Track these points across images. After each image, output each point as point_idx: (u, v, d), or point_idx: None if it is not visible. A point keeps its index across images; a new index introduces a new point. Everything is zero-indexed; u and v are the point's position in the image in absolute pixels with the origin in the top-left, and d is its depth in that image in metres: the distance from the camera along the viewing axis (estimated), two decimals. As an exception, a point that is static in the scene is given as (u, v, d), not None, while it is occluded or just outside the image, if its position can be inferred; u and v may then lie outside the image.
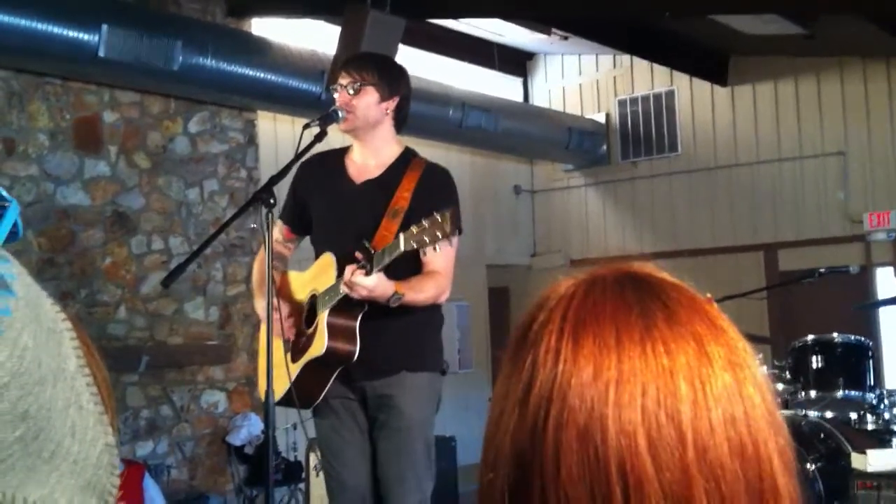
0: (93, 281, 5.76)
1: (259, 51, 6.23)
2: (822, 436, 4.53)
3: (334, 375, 3.09)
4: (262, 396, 2.90)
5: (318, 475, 5.27)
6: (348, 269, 2.90)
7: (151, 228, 6.08)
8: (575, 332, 0.74)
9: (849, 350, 4.95)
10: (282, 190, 3.05)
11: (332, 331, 3.02)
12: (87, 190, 5.79)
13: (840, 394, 4.83)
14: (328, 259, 3.09)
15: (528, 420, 0.73)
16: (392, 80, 3.22)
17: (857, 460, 4.16)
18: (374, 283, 2.87)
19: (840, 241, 7.99)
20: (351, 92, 3.15)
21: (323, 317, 3.03)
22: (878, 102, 8.01)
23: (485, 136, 8.01)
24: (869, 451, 4.12)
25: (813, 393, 4.85)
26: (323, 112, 3.20)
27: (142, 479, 4.92)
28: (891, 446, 4.52)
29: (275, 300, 2.94)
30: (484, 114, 7.80)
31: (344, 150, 3.33)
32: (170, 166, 6.20)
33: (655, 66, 8.81)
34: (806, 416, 4.67)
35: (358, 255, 2.91)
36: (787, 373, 4.96)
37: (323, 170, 3.30)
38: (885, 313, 7.50)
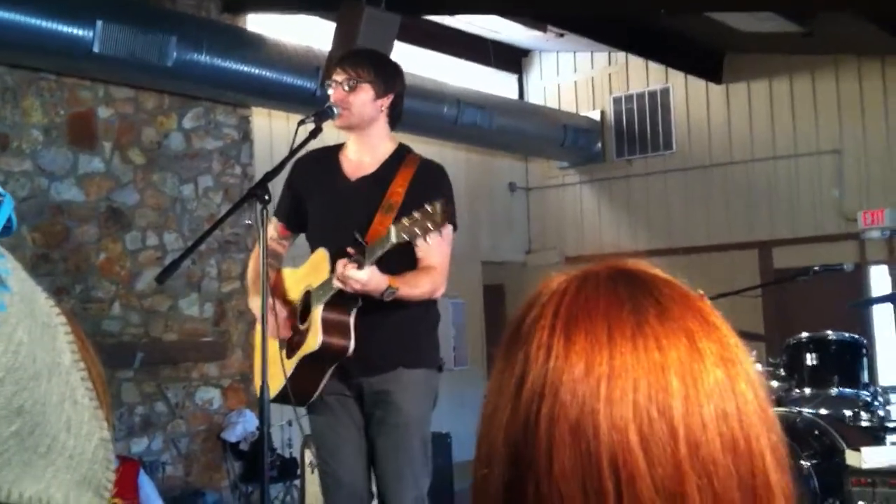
0: (87, 277, 5.76)
1: (254, 47, 6.22)
2: (816, 433, 4.54)
3: (329, 372, 3.09)
4: (258, 393, 2.90)
5: (313, 472, 5.27)
6: (340, 263, 2.90)
7: (146, 224, 6.08)
8: (567, 328, 0.74)
9: (843, 347, 4.96)
10: (276, 186, 3.05)
11: (327, 326, 3.01)
12: (81, 186, 5.78)
13: (834, 391, 4.84)
14: (322, 255, 3.09)
15: (520, 415, 0.74)
16: (387, 77, 3.22)
17: (851, 457, 4.17)
18: (366, 277, 2.86)
19: (835, 238, 8.01)
20: (346, 88, 3.15)
21: (317, 312, 3.02)
22: (873, 100, 8.02)
23: (480, 132, 8.01)
24: (863, 449, 4.14)
25: (807, 390, 4.86)
26: (318, 108, 3.20)
27: (137, 475, 4.91)
28: (885, 443, 4.54)
29: (270, 299, 2.94)
30: (479, 111, 7.79)
31: (338, 147, 3.33)
32: (164, 162, 6.20)
33: (651, 63, 8.82)
34: (800, 413, 4.68)
35: (350, 250, 2.91)
36: (782, 370, 4.97)
37: (318, 167, 3.29)
38: (878, 311, 7.52)
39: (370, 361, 3.08)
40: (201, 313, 6.33)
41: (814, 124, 8.28)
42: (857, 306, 6.96)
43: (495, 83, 9.02)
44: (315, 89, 6.22)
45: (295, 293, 3.23)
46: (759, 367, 4.83)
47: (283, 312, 3.20)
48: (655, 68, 8.88)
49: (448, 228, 3.07)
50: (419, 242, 2.88)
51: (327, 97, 3.22)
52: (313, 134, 3.08)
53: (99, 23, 5.29)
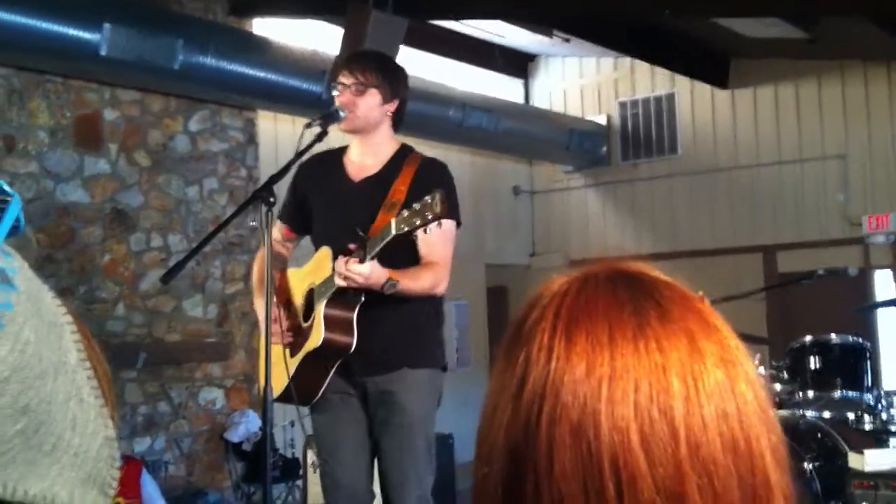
0: (92, 278, 5.77)
1: (260, 50, 6.23)
2: (819, 435, 4.54)
3: (333, 369, 3.09)
4: (262, 394, 2.90)
5: (315, 472, 5.27)
6: (341, 259, 2.90)
7: (151, 226, 6.09)
8: (568, 330, 0.75)
9: (847, 351, 4.95)
10: (281, 189, 3.05)
11: (329, 322, 3.01)
12: (86, 187, 5.79)
13: (838, 394, 4.84)
14: (325, 252, 3.09)
15: (521, 416, 0.74)
16: (395, 82, 3.23)
17: (854, 460, 4.17)
18: (367, 271, 2.86)
19: (839, 243, 7.99)
20: (354, 92, 3.16)
21: (320, 308, 3.03)
22: (878, 106, 8.01)
23: (485, 136, 8.01)
24: (866, 451, 4.14)
25: (811, 393, 4.86)
26: (324, 111, 3.21)
27: (139, 475, 4.92)
28: (888, 446, 4.53)
29: (273, 304, 2.94)
30: (485, 114, 7.79)
31: (342, 150, 3.34)
32: (170, 164, 6.21)
33: (656, 68, 8.81)
34: (803, 415, 4.68)
35: (351, 246, 2.91)
36: (785, 373, 4.97)
37: (322, 169, 3.30)
38: (882, 315, 7.50)
39: (375, 361, 3.09)
40: (205, 314, 6.34)
41: (819, 129, 8.27)
42: (862, 310, 6.95)
43: (501, 87, 9.02)
44: (321, 93, 6.23)
45: (299, 291, 3.24)
46: (762, 369, 4.83)
47: (286, 313, 3.21)
48: (661, 73, 8.88)
49: (450, 224, 3.08)
50: (420, 234, 2.88)
51: (333, 100, 3.23)
52: (319, 137, 3.08)
53: (106, 25, 5.30)
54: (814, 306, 7.15)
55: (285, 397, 3.09)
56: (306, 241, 3.41)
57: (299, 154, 3.08)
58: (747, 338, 0.79)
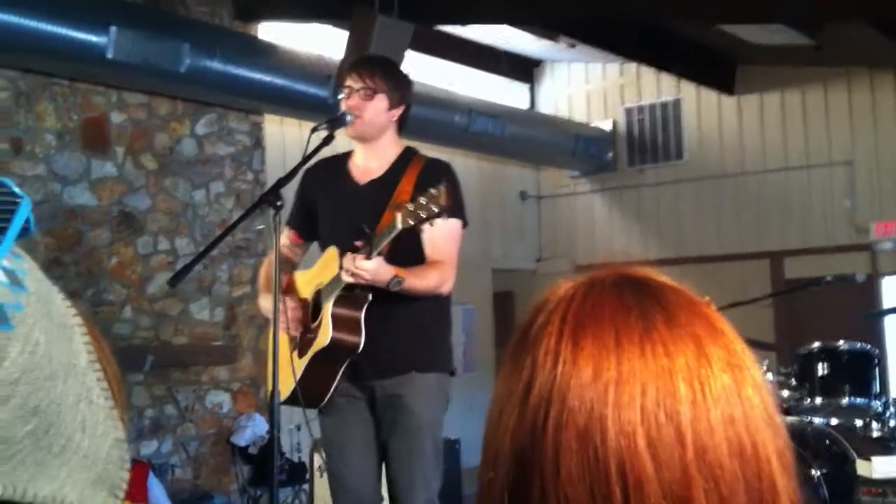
0: (99, 280, 5.78)
1: (266, 54, 6.24)
2: (827, 442, 4.53)
3: (341, 371, 3.08)
4: (269, 397, 2.90)
5: (322, 476, 5.28)
6: (348, 256, 2.90)
7: (157, 229, 6.10)
8: (574, 334, 0.75)
9: (855, 357, 4.94)
10: (288, 193, 3.05)
11: (337, 321, 3.01)
12: (93, 190, 5.80)
13: (846, 401, 4.82)
14: (332, 252, 3.09)
15: (527, 420, 0.74)
16: (401, 89, 3.24)
17: (862, 467, 4.16)
18: (374, 267, 2.86)
19: (846, 249, 7.98)
20: (362, 96, 3.16)
21: (327, 308, 3.03)
22: (885, 112, 8.00)
23: (491, 141, 8.01)
24: (874, 458, 4.12)
25: (819, 400, 4.84)
26: (331, 116, 3.22)
27: (146, 478, 4.93)
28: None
29: (281, 299, 2.95)
30: (491, 119, 7.80)
31: (347, 155, 3.35)
32: (176, 168, 6.22)
33: (662, 74, 8.81)
34: (811, 422, 4.66)
35: (358, 243, 2.92)
36: (793, 379, 4.95)
37: (328, 174, 3.31)
38: (890, 322, 7.48)
39: (383, 364, 3.09)
40: (212, 317, 6.35)
41: (826, 135, 8.26)
42: (871, 317, 6.93)
43: (507, 93, 9.03)
44: (327, 97, 6.23)
45: (306, 293, 3.24)
46: (769, 376, 4.82)
47: (294, 312, 3.21)
48: (667, 79, 8.87)
49: (456, 223, 3.09)
50: (425, 234, 2.88)
51: (339, 104, 3.23)
52: (326, 141, 3.09)
53: (113, 29, 5.32)
54: (821, 313, 7.14)
55: (293, 400, 3.09)
56: (315, 246, 3.42)
57: (306, 158, 3.08)
58: (755, 344, 0.79)
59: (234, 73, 5.94)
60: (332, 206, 3.27)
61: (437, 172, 3.15)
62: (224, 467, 6.29)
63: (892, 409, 4.79)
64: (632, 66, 9.04)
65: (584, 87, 9.44)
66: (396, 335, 3.08)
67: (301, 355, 3.13)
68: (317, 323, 3.11)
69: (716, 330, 0.76)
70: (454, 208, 2.92)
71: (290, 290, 3.28)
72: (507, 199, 9.30)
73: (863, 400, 4.82)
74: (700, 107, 8.85)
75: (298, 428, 6.06)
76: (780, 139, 8.47)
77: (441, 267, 3.08)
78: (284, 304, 3.10)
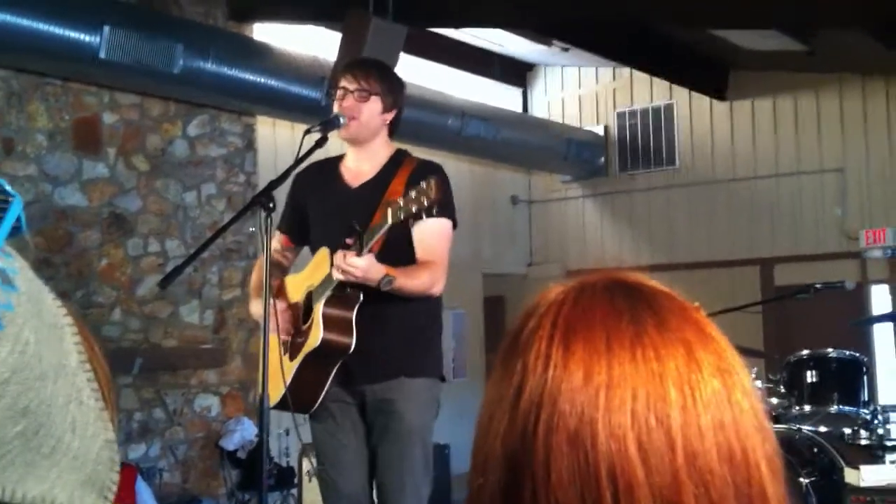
0: (89, 282, 5.76)
1: (260, 56, 6.24)
2: (815, 450, 4.53)
3: (332, 374, 3.07)
4: (259, 401, 2.89)
5: (310, 481, 5.27)
6: (339, 253, 2.90)
7: (148, 231, 6.08)
8: (565, 338, 0.75)
9: (843, 365, 4.95)
10: (279, 196, 3.05)
11: (328, 321, 3.00)
12: (84, 191, 5.79)
13: (834, 409, 4.84)
14: (323, 253, 3.08)
15: (518, 425, 0.74)
16: (395, 92, 3.24)
17: (850, 475, 4.17)
18: (365, 264, 2.84)
19: (836, 257, 8.00)
20: (357, 97, 3.16)
21: (318, 308, 3.01)
22: (876, 120, 8.03)
23: (483, 145, 8.01)
24: (862, 467, 4.13)
25: (807, 407, 4.86)
26: (324, 118, 3.21)
27: (134, 481, 4.91)
28: (884, 462, 4.53)
29: (272, 300, 2.94)
30: (483, 123, 7.80)
31: (338, 158, 3.35)
32: (168, 169, 6.21)
33: (655, 79, 8.83)
34: (800, 430, 4.67)
35: (349, 241, 2.91)
36: (782, 387, 4.97)
37: (320, 177, 3.31)
38: (879, 330, 7.51)
39: (374, 369, 3.08)
40: (201, 320, 6.33)
41: (817, 142, 8.29)
42: (859, 325, 6.95)
43: (500, 96, 9.03)
44: (320, 99, 6.23)
45: (298, 295, 3.23)
46: (758, 383, 4.83)
47: (285, 314, 3.20)
48: (660, 84, 8.89)
49: (447, 223, 3.09)
50: (416, 234, 2.87)
51: (332, 105, 3.23)
52: (319, 143, 3.08)
53: (106, 29, 5.31)
54: (811, 320, 7.15)
55: (283, 405, 3.08)
56: (306, 250, 3.41)
57: (299, 160, 3.08)
58: (744, 351, 0.79)
59: (227, 74, 5.94)
60: (324, 209, 3.26)
61: (428, 173, 3.14)
62: (212, 471, 6.27)
63: (880, 417, 4.81)
64: (625, 71, 9.06)
65: (576, 91, 9.46)
66: (390, 336, 3.07)
67: (292, 358, 3.12)
68: (308, 324, 3.10)
69: (706, 335, 0.76)
70: (444, 206, 2.91)
71: (280, 294, 3.27)
72: (498, 204, 9.31)
73: (851, 408, 4.83)
74: (692, 112, 8.87)
75: (287, 432, 6.05)
76: (772, 145, 8.49)
77: (432, 267, 3.08)
78: (275, 307, 3.09)
